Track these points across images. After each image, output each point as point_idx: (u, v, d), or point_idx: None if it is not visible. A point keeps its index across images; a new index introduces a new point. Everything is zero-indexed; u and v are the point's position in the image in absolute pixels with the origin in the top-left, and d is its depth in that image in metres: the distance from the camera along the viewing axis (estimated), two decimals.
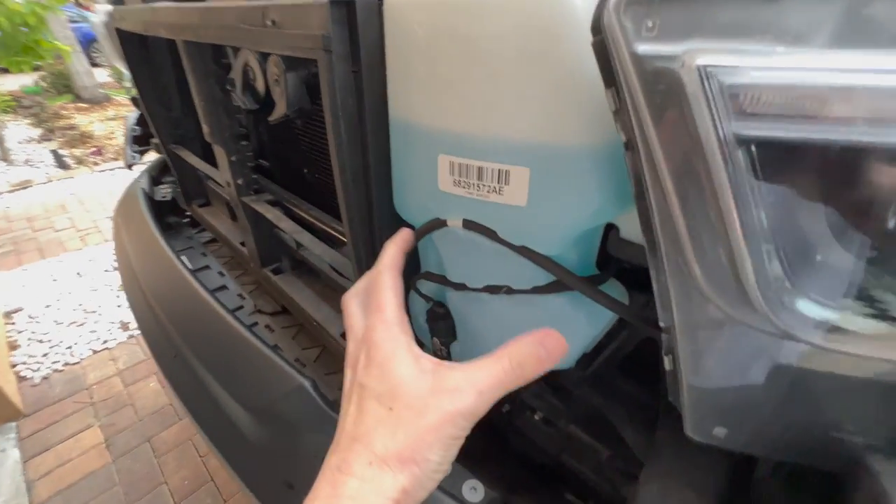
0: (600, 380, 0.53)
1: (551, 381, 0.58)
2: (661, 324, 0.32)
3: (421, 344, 0.57)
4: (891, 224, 0.21)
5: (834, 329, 0.22)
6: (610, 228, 0.41)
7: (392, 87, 0.41)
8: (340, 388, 0.79)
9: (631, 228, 0.38)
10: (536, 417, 0.62)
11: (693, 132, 0.20)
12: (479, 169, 0.36)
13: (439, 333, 0.53)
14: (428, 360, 0.32)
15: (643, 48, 0.22)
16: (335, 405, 0.55)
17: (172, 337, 0.73)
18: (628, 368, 0.52)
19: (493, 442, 0.68)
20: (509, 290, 0.41)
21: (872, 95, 0.17)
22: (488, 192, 0.36)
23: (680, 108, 0.20)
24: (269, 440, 0.54)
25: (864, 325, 0.23)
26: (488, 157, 0.35)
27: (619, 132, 0.28)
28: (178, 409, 1.69)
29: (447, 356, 0.55)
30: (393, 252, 0.38)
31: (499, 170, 0.35)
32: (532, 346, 0.31)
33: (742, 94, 0.18)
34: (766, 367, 0.29)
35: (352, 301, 0.38)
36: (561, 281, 0.39)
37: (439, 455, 0.29)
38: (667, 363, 0.34)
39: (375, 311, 0.34)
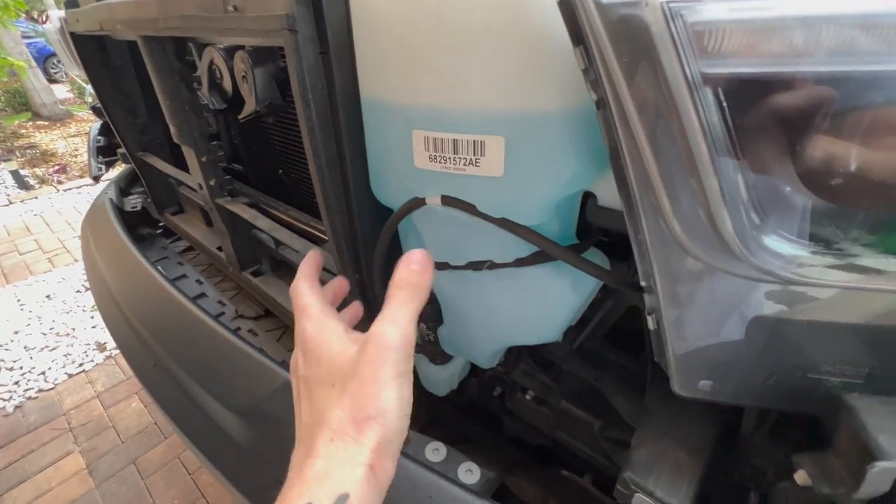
0: (588, 353, 0.53)
1: (540, 358, 0.59)
2: (643, 283, 0.33)
3: None
4: (852, 165, 0.22)
5: (803, 264, 0.22)
6: (588, 197, 0.41)
7: (361, 66, 0.40)
8: None
9: (608, 195, 0.39)
10: (528, 397, 0.62)
11: (661, 76, 0.20)
12: (455, 141, 0.36)
13: (425, 318, 0.53)
14: (356, 333, 0.34)
15: None
16: None
17: (152, 347, 0.70)
18: (614, 339, 0.53)
19: (488, 427, 0.68)
20: (492, 265, 0.41)
21: (832, 24, 0.18)
22: (465, 164, 0.36)
23: (647, 52, 0.20)
24: (258, 440, 0.52)
25: (829, 259, 0.24)
26: (462, 128, 0.35)
27: (590, 91, 0.28)
28: (164, 428, 1.63)
29: (435, 340, 0.55)
30: (303, 267, 0.41)
31: (474, 141, 0.35)
32: (402, 268, 0.34)
33: (707, 32, 0.19)
34: (745, 316, 0.30)
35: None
36: (543, 251, 0.39)
37: (393, 400, 0.30)
38: (650, 323, 0.35)
39: (301, 314, 0.37)
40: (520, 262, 0.40)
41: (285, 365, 0.69)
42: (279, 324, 0.93)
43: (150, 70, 0.70)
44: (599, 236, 0.44)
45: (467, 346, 0.53)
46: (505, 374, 0.63)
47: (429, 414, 0.59)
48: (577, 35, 0.26)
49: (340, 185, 0.48)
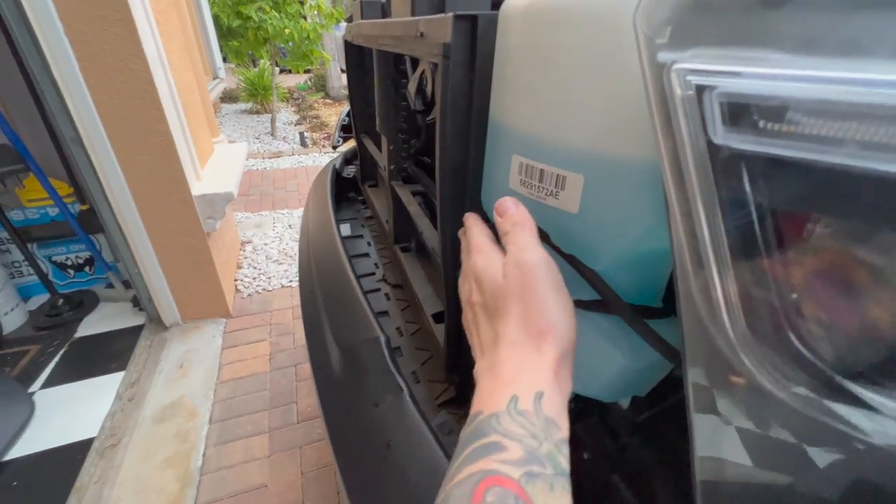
0: (658, 435, 0.46)
1: (609, 422, 0.54)
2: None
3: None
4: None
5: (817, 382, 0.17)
6: None
7: (494, 90, 0.45)
8: (425, 362, 0.86)
9: None
10: (586, 456, 0.57)
11: (677, 143, 0.19)
12: (541, 171, 0.37)
13: None
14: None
15: (661, 56, 0.21)
16: (399, 365, 0.62)
17: (313, 278, 0.92)
18: None
19: None
20: None
21: (861, 111, 0.14)
22: (546, 195, 0.38)
23: (668, 117, 0.19)
24: (341, 372, 0.64)
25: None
26: (550, 160, 0.36)
27: None
28: None
29: None
30: (472, 217, 0.44)
31: (557, 174, 0.36)
32: (502, 216, 0.38)
33: (719, 102, 0.17)
34: (795, 456, 0.24)
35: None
36: (604, 301, 0.37)
37: (558, 310, 0.32)
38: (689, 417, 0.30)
39: (475, 252, 0.39)
40: (578, 304, 0.39)
41: (398, 332, 0.80)
42: (409, 297, 1.07)
43: (375, 72, 0.90)
44: None
45: None
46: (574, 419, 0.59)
47: None
48: None
49: (459, 191, 0.54)
